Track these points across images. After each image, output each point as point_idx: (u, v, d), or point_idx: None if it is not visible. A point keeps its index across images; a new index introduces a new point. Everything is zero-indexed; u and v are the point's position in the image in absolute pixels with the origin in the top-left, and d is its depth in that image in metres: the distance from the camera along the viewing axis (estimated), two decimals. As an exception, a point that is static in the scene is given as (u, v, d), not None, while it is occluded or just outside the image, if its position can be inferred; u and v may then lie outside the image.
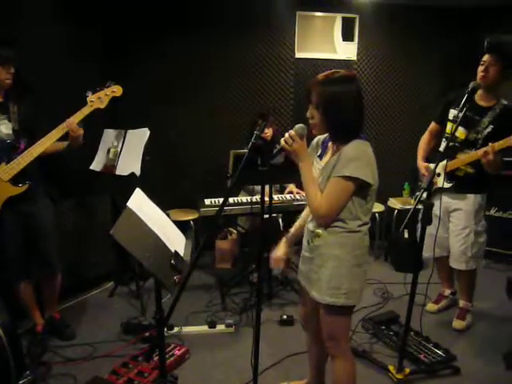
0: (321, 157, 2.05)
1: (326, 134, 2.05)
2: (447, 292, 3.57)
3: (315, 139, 2.13)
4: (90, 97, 2.78)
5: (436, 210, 3.09)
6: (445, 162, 2.98)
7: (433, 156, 3.28)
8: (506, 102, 3.00)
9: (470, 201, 3.09)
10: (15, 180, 2.65)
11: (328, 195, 1.86)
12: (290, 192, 3.84)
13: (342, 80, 1.88)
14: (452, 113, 3.13)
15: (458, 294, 3.48)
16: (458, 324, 3.27)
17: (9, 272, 2.82)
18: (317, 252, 1.98)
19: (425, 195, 2.37)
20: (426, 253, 3.02)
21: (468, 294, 3.32)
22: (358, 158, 1.82)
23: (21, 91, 2.78)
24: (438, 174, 2.96)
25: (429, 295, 3.26)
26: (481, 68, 2.96)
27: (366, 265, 2.01)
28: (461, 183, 3.08)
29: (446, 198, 3.14)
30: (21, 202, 2.70)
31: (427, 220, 2.39)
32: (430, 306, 3.52)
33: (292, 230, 2.26)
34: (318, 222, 1.95)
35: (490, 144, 2.77)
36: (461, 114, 2.58)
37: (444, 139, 3.20)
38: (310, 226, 2.04)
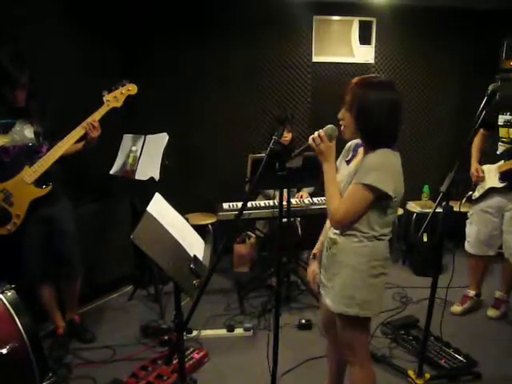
0: (349, 162, 2.02)
1: (358, 140, 2.00)
2: (472, 293, 3.53)
3: (348, 143, 2.07)
4: (106, 96, 2.82)
5: (488, 209, 3.25)
6: (501, 163, 3.12)
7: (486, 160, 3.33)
8: None
9: None
10: (38, 182, 2.70)
11: (346, 200, 1.83)
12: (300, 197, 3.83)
13: (378, 85, 1.83)
14: (501, 118, 3.16)
15: (501, 287, 3.51)
16: (492, 312, 3.40)
17: (31, 275, 2.86)
18: (333, 259, 1.95)
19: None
20: (475, 250, 3.34)
21: (509, 288, 3.42)
22: (381, 167, 1.78)
23: (42, 96, 2.83)
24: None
25: (449, 299, 3.21)
26: None
27: (384, 276, 1.95)
28: None
29: (500, 198, 3.19)
30: (43, 204, 2.75)
31: (446, 224, 2.37)
32: (455, 308, 3.50)
33: (318, 245, 2.21)
34: (334, 225, 1.92)
35: None
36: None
37: (500, 143, 3.20)
38: (330, 233, 2.00)
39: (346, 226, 1.88)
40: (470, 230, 3.37)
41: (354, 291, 1.89)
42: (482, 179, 3.21)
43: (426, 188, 4.77)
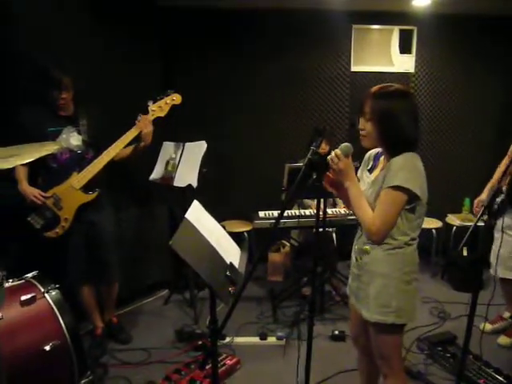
0: (371, 171, 2.04)
1: (379, 149, 2.02)
2: (507, 314, 3.37)
3: (368, 153, 2.10)
4: (151, 106, 2.92)
5: (505, 228, 2.97)
6: None
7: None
8: None
9: None
10: (86, 188, 2.80)
11: (380, 210, 1.83)
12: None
13: (396, 94, 1.88)
14: None
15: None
16: (502, 340, 3.17)
17: (74, 275, 2.96)
18: (365, 269, 1.95)
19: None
20: (494, 271, 3.02)
21: None
22: (407, 168, 1.80)
23: (89, 105, 2.94)
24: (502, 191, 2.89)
25: (490, 317, 3.12)
26: None
27: (416, 281, 1.95)
28: None
29: (510, 215, 3.00)
30: (89, 209, 2.86)
31: (488, 239, 2.31)
32: (485, 325, 3.33)
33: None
34: (372, 239, 1.89)
35: None
36: None
37: None
38: (359, 242, 2.00)
39: (385, 236, 1.86)
40: (492, 249, 3.11)
41: (389, 299, 1.89)
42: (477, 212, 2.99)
43: (466, 201, 4.63)
